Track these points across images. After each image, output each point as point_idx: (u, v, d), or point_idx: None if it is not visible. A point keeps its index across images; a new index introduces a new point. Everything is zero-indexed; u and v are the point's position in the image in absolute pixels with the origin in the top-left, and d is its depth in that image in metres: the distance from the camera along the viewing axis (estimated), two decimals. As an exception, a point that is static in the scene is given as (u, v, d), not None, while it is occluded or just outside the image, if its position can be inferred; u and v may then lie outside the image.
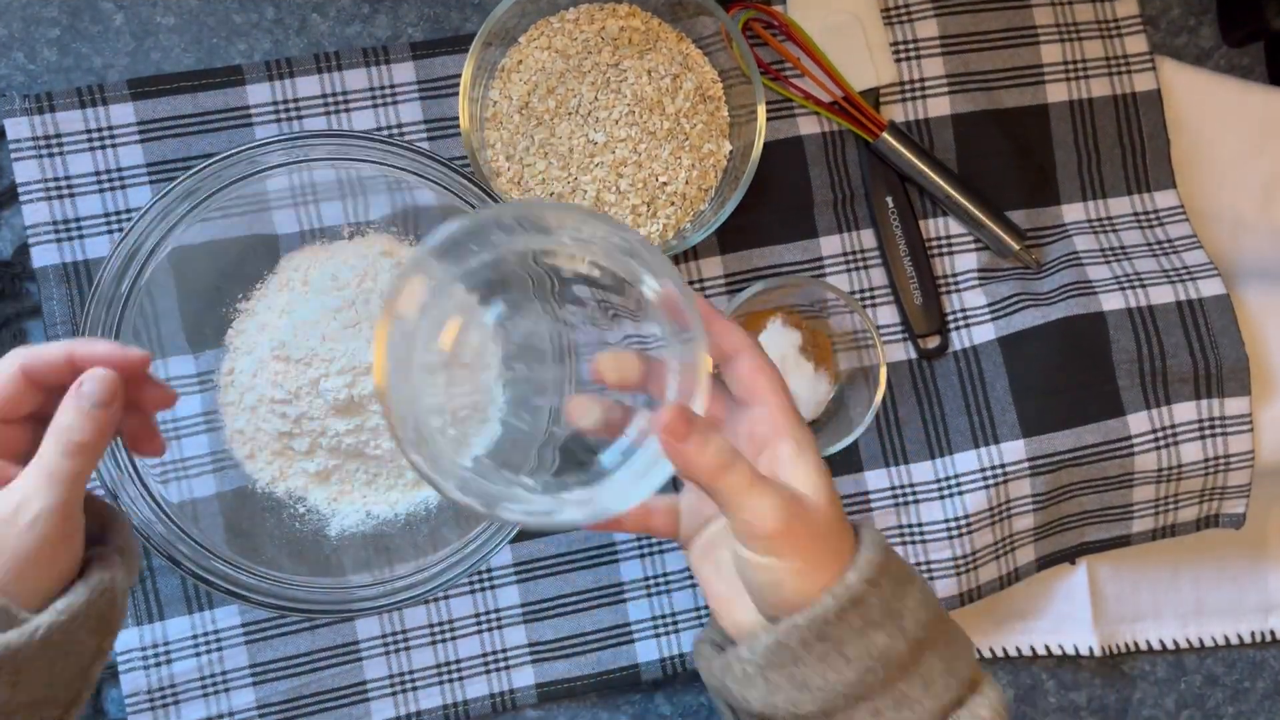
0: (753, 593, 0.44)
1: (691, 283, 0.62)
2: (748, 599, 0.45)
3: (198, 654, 0.59)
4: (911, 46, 0.63)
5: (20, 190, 0.58)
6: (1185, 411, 0.62)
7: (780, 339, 0.61)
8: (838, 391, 0.62)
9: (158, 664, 0.59)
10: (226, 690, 0.60)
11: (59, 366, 0.42)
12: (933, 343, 0.63)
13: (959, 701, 0.43)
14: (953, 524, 0.62)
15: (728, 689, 0.44)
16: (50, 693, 0.41)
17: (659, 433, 0.40)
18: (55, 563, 0.40)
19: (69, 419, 0.41)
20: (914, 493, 0.63)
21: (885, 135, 0.61)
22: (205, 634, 0.59)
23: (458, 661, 0.61)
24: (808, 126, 0.63)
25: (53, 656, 0.40)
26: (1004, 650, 0.65)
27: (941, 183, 0.62)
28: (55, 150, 0.59)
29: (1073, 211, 0.65)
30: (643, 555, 0.62)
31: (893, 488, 0.63)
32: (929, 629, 0.43)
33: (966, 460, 0.62)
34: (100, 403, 0.41)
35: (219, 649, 0.60)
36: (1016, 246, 0.62)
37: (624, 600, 0.62)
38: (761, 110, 0.58)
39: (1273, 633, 0.67)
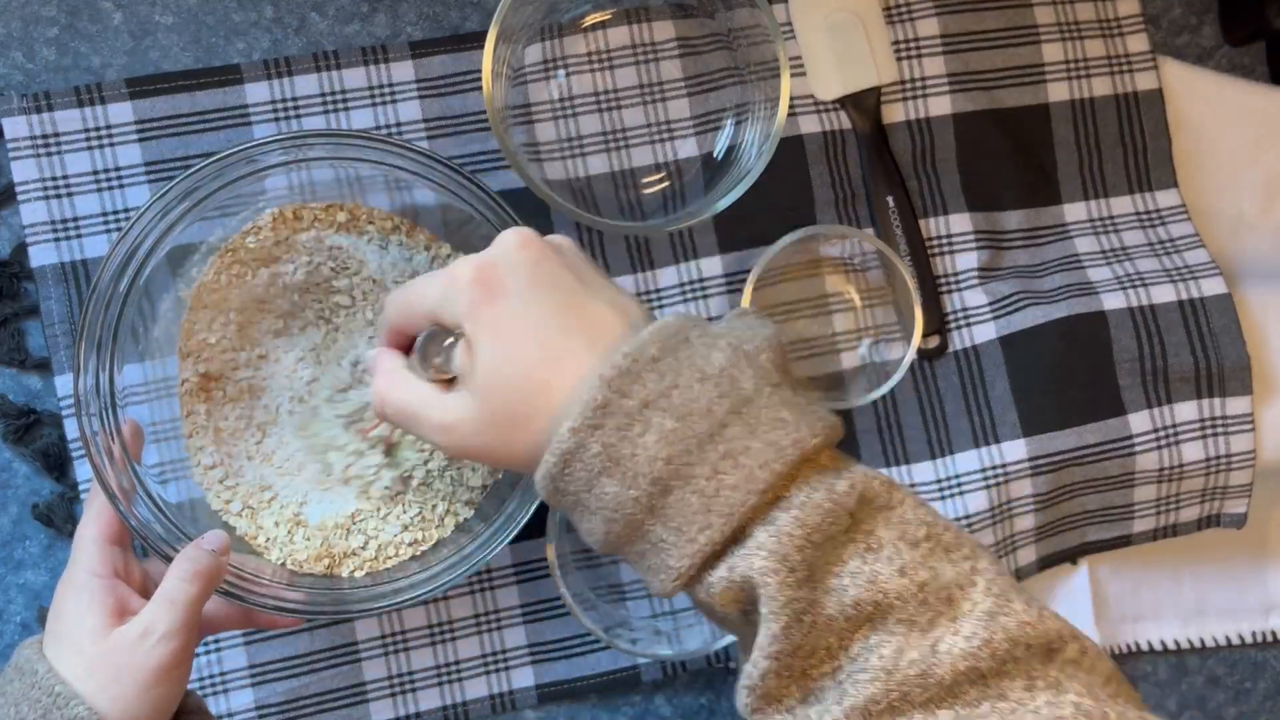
0: None
1: (691, 282, 0.62)
2: None
3: (196, 654, 0.59)
4: (913, 45, 0.63)
5: (18, 189, 0.58)
6: (1186, 411, 0.62)
7: (816, 286, 0.63)
8: (872, 343, 0.62)
9: (156, 665, 0.59)
10: (225, 691, 0.59)
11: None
12: (933, 342, 0.63)
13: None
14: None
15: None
16: None
17: None
18: (169, 685, 0.46)
19: (189, 551, 0.49)
20: (914, 493, 0.63)
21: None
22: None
23: (457, 662, 0.61)
24: (808, 125, 0.63)
25: None
26: (1005, 651, 0.65)
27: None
28: (53, 149, 0.58)
29: (1074, 211, 0.65)
30: (643, 555, 0.62)
31: (893, 488, 0.63)
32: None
33: (967, 460, 0.62)
34: (219, 549, 0.50)
35: (217, 649, 0.60)
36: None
37: (625, 600, 0.62)
38: (784, 100, 0.57)
39: (1274, 633, 0.67)
